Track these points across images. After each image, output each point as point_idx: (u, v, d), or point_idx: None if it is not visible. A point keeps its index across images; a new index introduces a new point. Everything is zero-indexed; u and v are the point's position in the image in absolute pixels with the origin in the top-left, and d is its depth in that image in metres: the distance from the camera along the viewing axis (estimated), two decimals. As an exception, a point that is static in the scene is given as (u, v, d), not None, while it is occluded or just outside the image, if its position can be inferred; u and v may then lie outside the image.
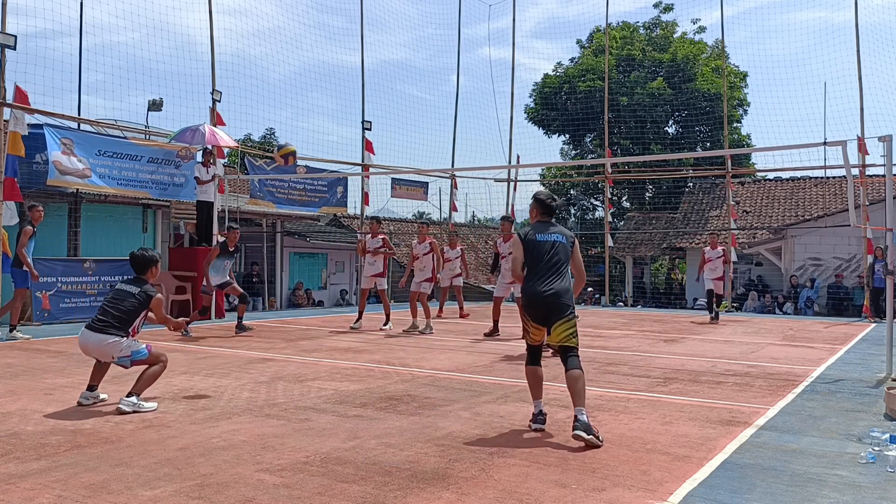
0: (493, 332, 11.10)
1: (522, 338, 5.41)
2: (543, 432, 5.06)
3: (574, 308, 5.22)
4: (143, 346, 5.89)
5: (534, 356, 5.30)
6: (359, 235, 12.99)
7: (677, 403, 6.17)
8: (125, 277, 6.37)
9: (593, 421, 5.05)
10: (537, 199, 5.46)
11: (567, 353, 5.08)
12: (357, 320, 12.25)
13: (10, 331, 10.34)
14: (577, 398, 4.86)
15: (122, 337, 5.78)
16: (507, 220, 11.73)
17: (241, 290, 11.56)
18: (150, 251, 6.16)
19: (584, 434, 4.65)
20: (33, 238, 10.54)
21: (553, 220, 5.45)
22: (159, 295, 6.00)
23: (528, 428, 5.17)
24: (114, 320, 5.78)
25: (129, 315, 5.83)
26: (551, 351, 5.88)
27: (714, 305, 14.34)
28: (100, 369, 5.98)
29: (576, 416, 4.75)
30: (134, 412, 5.54)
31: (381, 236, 12.23)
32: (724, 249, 14.24)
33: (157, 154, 14.58)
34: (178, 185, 14.85)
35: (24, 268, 10.32)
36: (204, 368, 7.76)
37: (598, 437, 4.68)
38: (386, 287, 12.38)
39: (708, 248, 14.30)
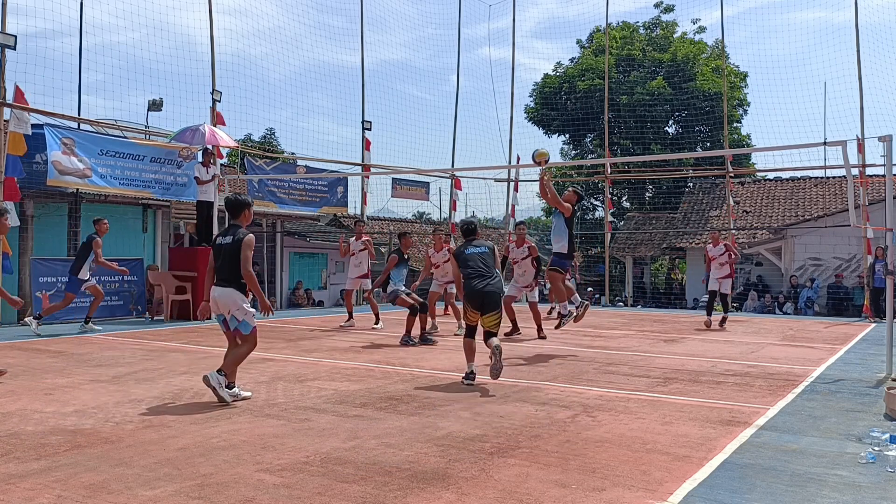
0: (513, 332, 11.06)
1: (463, 317, 7.62)
2: (538, 435, 5.06)
3: (501, 302, 7.30)
4: (254, 324, 6.11)
5: (471, 332, 7.15)
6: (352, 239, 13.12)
7: (677, 403, 6.17)
8: (221, 230, 6.52)
9: (594, 422, 5.41)
10: (459, 227, 7.67)
11: (488, 334, 7.08)
12: (348, 319, 12.44)
13: (86, 322, 11.42)
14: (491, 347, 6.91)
15: (242, 293, 6.03)
16: (523, 224, 12.01)
17: (412, 301, 10.28)
18: (244, 196, 6.46)
19: (497, 352, 6.74)
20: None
21: (475, 237, 7.42)
22: (250, 236, 6.04)
23: (529, 427, 5.18)
24: (226, 274, 6.03)
25: (232, 263, 5.98)
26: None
27: (726, 306, 13.64)
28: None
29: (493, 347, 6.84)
30: (230, 400, 5.86)
31: (364, 238, 12.43)
32: (725, 245, 13.63)
33: (160, 154, 14.58)
34: (182, 185, 14.85)
35: (109, 268, 11.61)
36: (204, 368, 7.74)
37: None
38: (370, 287, 12.49)
39: (710, 245, 13.77)
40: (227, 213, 6.32)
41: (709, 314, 13.42)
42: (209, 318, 6.60)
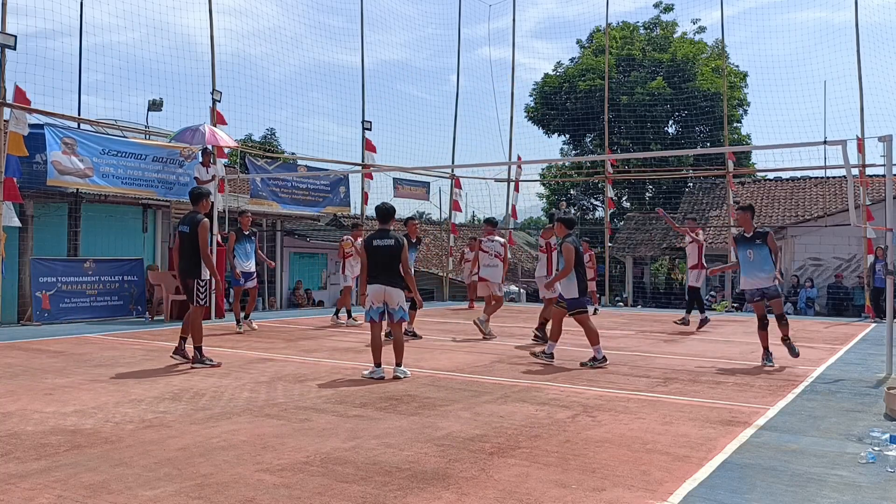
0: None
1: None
2: (538, 435, 5.06)
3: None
4: (407, 310, 7.60)
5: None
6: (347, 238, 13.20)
7: (677, 403, 6.17)
8: (375, 233, 7.51)
9: (594, 422, 5.36)
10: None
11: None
12: (349, 318, 12.84)
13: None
14: None
15: (404, 288, 7.32)
16: (553, 219, 11.55)
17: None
18: (389, 203, 7.61)
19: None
20: (249, 242, 11.64)
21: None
22: (403, 239, 7.39)
23: (529, 427, 5.18)
24: (391, 271, 7.24)
25: (394, 262, 7.23)
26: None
27: (697, 303, 12.45)
28: (379, 345, 7.47)
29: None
30: (403, 377, 7.17)
31: (360, 239, 12.84)
32: (694, 232, 12.59)
33: (162, 153, 14.58)
34: (183, 185, 14.84)
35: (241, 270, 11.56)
36: (204, 368, 7.76)
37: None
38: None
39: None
40: (378, 220, 7.53)
41: (687, 312, 12.76)
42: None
